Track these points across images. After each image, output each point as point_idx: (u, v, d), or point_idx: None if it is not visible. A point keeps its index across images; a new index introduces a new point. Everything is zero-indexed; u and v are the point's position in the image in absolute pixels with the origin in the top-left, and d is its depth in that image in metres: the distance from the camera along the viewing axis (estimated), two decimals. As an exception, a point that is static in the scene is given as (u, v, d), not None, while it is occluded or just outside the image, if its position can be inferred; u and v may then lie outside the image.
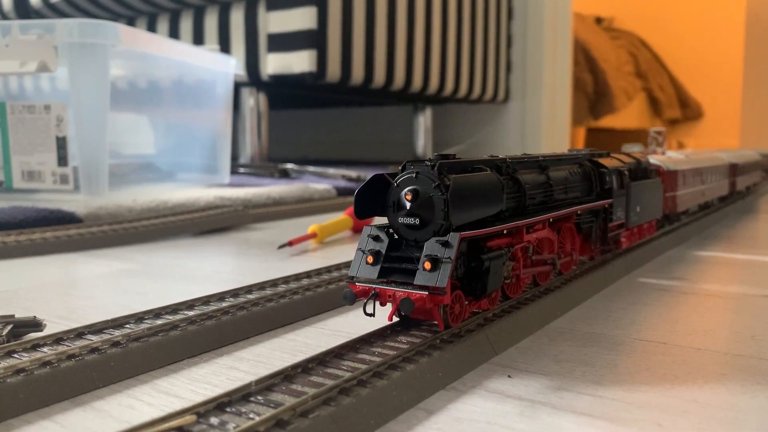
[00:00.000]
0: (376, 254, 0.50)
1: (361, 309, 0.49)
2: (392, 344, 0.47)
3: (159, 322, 0.53)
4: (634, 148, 0.85)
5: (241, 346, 0.53)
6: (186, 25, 2.12)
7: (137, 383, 0.45)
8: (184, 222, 1.11)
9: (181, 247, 1.00)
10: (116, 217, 1.13)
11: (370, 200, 0.52)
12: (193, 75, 1.60)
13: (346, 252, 0.96)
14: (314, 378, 0.41)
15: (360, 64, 2.05)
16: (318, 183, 1.70)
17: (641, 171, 0.85)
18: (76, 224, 1.05)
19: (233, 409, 0.37)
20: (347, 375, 0.40)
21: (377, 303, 0.49)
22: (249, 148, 2.18)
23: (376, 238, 0.50)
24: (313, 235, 1.00)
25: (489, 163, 0.56)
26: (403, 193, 0.49)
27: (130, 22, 2.22)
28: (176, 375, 0.47)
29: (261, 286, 0.65)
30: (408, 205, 0.49)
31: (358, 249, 0.51)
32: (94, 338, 0.49)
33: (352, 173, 1.88)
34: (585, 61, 3.66)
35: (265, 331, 0.57)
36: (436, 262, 0.46)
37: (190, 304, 0.58)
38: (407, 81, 2.26)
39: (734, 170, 1.43)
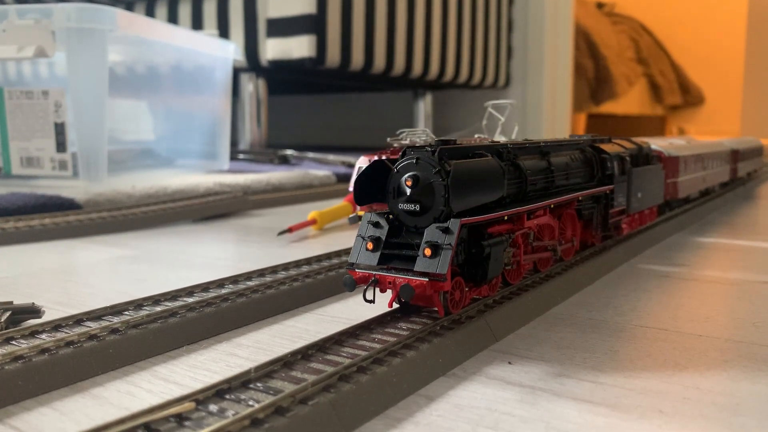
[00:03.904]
0: (376, 241, 0.49)
1: (361, 295, 0.49)
2: (392, 331, 0.47)
3: (158, 308, 0.53)
4: (417, 138, 0.78)
5: (241, 333, 0.53)
6: (185, 9, 2.10)
7: (136, 370, 0.45)
8: (183, 208, 1.11)
9: (180, 233, 1.00)
10: (115, 204, 1.13)
11: (370, 186, 0.51)
12: (192, 60, 1.59)
13: (345, 238, 0.95)
14: (314, 365, 0.41)
15: (360, 49, 2.04)
16: (318, 169, 1.69)
17: (643, 157, 0.84)
18: (75, 210, 1.05)
19: (232, 396, 0.36)
20: (347, 362, 0.40)
21: (377, 289, 0.49)
22: (248, 134, 2.17)
23: (376, 225, 0.50)
24: (312, 222, 1.00)
25: (490, 148, 0.55)
26: (404, 179, 0.49)
27: (129, 6, 2.21)
28: (175, 362, 0.47)
29: (261, 272, 0.65)
30: (408, 191, 0.49)
31: (358, 235, 0.50)
32: (93, 325, 0.49)
33: (352, 159, 1.87)
34: (586, 46, 3.64)
35: (265, 318, 0.57)
36: (436, 248, 0.46)
37: (189, 291, 0.58)
38: (407, 66, 2.25)
39: (735, 156, 1.42)
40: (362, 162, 0.76)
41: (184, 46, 1.50)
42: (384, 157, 0.73)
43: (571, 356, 0.47)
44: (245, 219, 1.15)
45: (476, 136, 0.85)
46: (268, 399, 0.35)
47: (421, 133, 0.79)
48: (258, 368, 0.39)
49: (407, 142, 0.79)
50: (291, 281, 0.62)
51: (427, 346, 0.44)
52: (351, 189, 0.75)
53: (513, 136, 0.83)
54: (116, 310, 0.52)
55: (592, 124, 3.96)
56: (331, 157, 1.95)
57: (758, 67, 3.49)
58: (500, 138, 0.89)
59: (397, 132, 0.79)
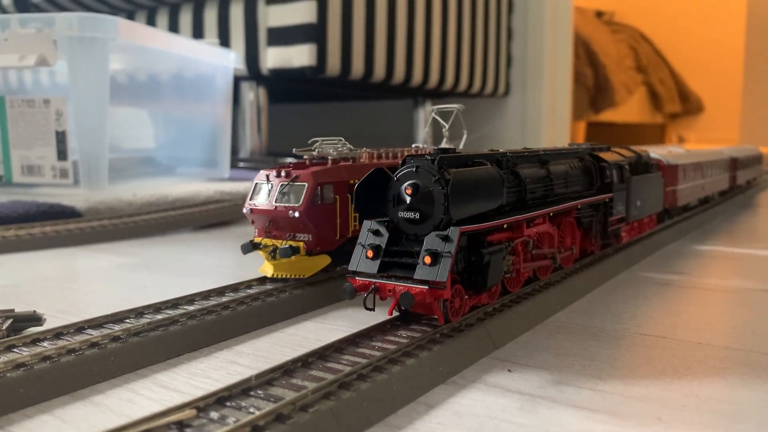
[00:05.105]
0: (376, 248, 0.50)
1: (361, 303, 0.49)
2: (392, 338, 0.47)
3: (159, 316, 0.53)
4: (331, 148, 0.70)
5: (241, 341, 0.53)
6: (185, 18, 2.11)
7: (137, 378, 0.45)
8: (184, 216, 1.11)
9: (181, 241, 1.00)
10: (116, 212, 1.13)
11: (370, 195, 0.52)
12: (192, 69, 1.59)
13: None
14: (314, 372, 0.41)
15: (360, 58, 2.05)
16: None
17: (642, 165, 0.85)
18: (76, 218, 1.05)
19: (233, 404, 0.36)
20: (347, 369, 0.40)
21: (377, 297, 0.49)
22: (249, 142, 2.18)
23: (376, 233, 0.50)
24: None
25: (489, 157, 0.56)
26: (403, 187, 0.49)
27: (130, 15, 2.21)
28: (176, 369, 0.47)
29: (261, 280, 0.65)
30: (408, 199, 0.49)
31: (358, 243, 0.51)
32: (94, 333, 0.49)
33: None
34: (585, 55, 3.65)
35: (265, 326, 0.57)
36: (436, 256, 0.46)
37: (190, 299, 0.58)
38: (407, 75, 2.26)
39: (735, 164, 1.43)
40: (260, 178, 0.66)
41: (185, 54, 1.50)
42: (283, 173, 0.64)
43: (570, 364, 0.47)
44: (246, 227, 1.15)
45: (414, 146, 0.81)
46: (268, 406, 0.35)
47: (336, 142, 0.74)
48: (258, 376, 0.39)
49: (316, 153, 0.71)
50: (292, 289, 0.62)
51: (427, 354, 0.44)
52: (245, 211, 0.66)
53: (461, 146, 0.79)
54: (117, 317, 0.52)
55: (591, 132, 3.96)
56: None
57: (757, 75, 3.50)
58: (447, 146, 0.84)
59: (309, 141, 0.73)
